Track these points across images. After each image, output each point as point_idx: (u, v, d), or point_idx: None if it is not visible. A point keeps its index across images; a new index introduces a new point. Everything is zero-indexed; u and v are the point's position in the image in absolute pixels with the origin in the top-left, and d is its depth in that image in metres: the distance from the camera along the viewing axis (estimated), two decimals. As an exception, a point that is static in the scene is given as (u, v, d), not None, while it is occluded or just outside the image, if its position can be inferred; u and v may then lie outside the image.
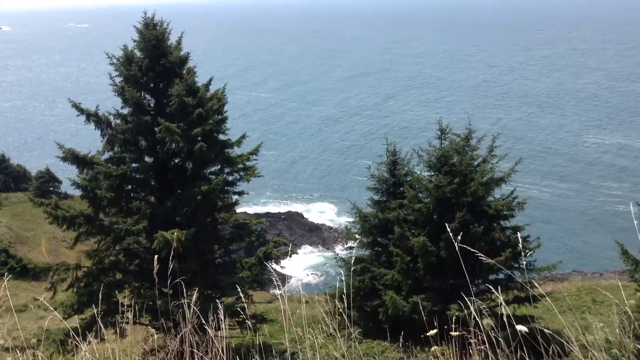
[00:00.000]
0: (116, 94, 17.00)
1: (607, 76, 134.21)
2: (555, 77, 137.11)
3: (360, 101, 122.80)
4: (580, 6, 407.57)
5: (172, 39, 17.56)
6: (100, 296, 6.35)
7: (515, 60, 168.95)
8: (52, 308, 5.27)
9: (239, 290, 4.95)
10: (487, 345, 3.23)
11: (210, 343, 3.82)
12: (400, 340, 5.49)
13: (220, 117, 17.21)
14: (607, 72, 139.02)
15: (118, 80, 17.05)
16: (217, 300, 4.39)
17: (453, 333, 3.49)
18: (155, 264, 3.95)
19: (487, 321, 3.14)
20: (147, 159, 17.34)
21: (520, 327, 2.94)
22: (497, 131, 20.89)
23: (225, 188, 17.68)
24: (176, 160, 17.66)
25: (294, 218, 61.01)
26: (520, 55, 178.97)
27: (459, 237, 3.35)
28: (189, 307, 3.95)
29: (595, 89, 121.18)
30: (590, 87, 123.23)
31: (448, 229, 3.81)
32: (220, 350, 3.75)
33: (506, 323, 3.40)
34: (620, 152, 79.23)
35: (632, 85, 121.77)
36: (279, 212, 62.82)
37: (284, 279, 48.44)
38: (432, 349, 3.37)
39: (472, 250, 3.30)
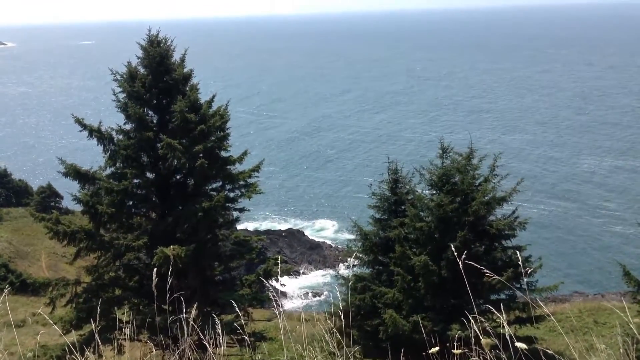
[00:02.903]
0: (119, 109, 17.09)
1: (596, 94, 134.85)
2: (546, 97, 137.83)
3: (357, 117, 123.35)
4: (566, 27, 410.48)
5: (176, 56, 17.69)
6: (99, 312, 6.31)
7: (509, 79, 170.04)
8: (52, 322, 5.24)
9: (238, 307, 4.93)
10: (489, 365, 3.20)
11: (210, 359, 3.79)
12: (402, 358, 5.42)
13: (222, 133, 17.26)
14: (606, 93, 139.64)
15: (121, 96, 17.14)
16: (216, 317, 4.36)
17: (455, 351, 3.46)
18: (154, 277, 3.93)
19: (487, 341, 3.11)
20: (148, 174, 17.37)
21: (520, 345, 2.92)
22: (495, 150, 20.91)
23: (226, 205, 17.67)
24: (178, 177, 17.68)
25: (295, 235, 60.82)
26: (514, 74, 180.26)
27: (463, 256, 3.34)
28: (188, 322, 3.92)
29: (587, 108, 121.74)
30: (588, 107, 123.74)
31: (453, 248, 3.79)
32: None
33: (509, 342, 3.36)
34: (616, 173, 79.35)
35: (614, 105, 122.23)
36: (280, 230, 62.67)
37: (284, 297, 48.17)
38: (434, 367, 3.34)
39: (477, 266, 3.28)
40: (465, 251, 3.85)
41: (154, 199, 17.68)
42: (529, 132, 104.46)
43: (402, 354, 5.46)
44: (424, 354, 4.40)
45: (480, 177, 18.30)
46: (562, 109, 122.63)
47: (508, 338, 3.28)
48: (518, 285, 17.27)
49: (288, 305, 47.88)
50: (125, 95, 17.11)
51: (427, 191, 19.24)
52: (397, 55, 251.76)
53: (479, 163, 18.40)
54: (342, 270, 48.65)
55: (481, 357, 3.35)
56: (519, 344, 2.91)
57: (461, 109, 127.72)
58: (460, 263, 3.20)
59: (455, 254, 3.51)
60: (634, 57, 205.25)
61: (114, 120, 17.78)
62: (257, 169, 17.98)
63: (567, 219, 64.92)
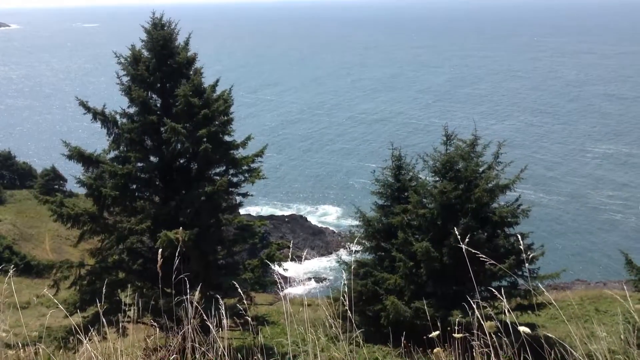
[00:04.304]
0: (123, 93, 17.06)
1: (603, 85, 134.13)
2: (549, 85, 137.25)
3: (363, 104, 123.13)
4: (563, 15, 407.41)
5: (180, 40, 17.62)
6: (103, 294, 6.35)
7: (506, 67, 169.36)
8: (56, 304, 5.28)
9: (241, 291, 4.96)
10: (490, 349, 3.22)
11: (212, 341, 3.82)
12: (403, 341, 5.46)
13: (225, 118, 17.22)
14: (603, 81, 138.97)
15: (125, 79, 17.11)
16: (219, 297, 4.39)
17: (456, 335, 3.47)
18: (159, 258, 3.95)
19: (491, 323, 3.12)
20: (152, 158, 17.38)
21: (523, 329, 2.93)
22: (492, 137, 20.85)
23: (230, 189, 17.68)
24: (181, 161, 17.68)
25: (298, 221, 60.93)
26: (512, 61, 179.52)
27: (467, 239, 3.34)
28: (192, 304, 3.95)
29: (591, 97, 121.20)
30: (584, 95, 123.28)
31: (456, 231, 3.80)
32: (222, 348, 3.75)
33: (510, 328, 3.38)
34: (617, 160, 79.19)
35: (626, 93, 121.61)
36: (283, 215, 62.78)
37: (286, 281, 48.34)
38: (435, 350, 3.36)
39: (477, 253, 3.29)
40: (468, 236, 3.85)
41: (157, 182, 17.71)
42: (527, 119, 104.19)
43: (403, 339, 5.50)
44: (424, 337, 4.42)
45: (483, 164, 18.28)
46: (561, 97, 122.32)
47: (510, 324, 3.29)
48: (520, 273, 17.31)
49: (290, 290, 48.11)
50: (129, 78, 17.07)
51: (430, 178, 19.25)
52: (395, 42, 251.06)
53: (482, 150, 18.38)
54: (345, 256, 48.82)
55: (482, 342, 3.36)
56: (521, 328, 2.92)
57: (458, 96, 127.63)
58: (463, 247, 3.20)
59: (459, 237, 3.51)
60: (633, 45, 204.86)
61: (117, 103, 17.74)
62: (260, 154, 17.97)
63: (569, 206, 64.85)
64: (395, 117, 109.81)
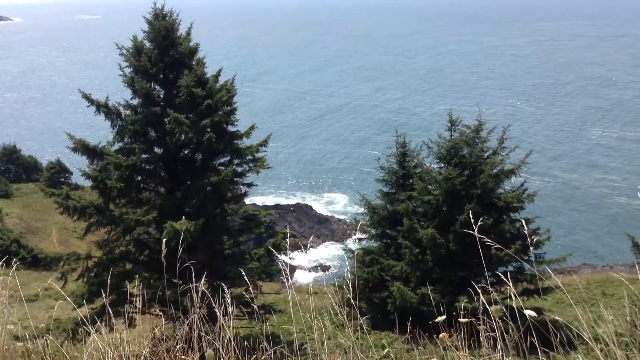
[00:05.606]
0: (126, 84, 17.03)
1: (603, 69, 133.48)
2: (546, 68, 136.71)
3: (363, 92, 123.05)
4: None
5: (182, 30, 17.56)
6: (109, 286, 6.38)
7: (499, 52, 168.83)
8: (64, 294, 5.31)
9: (247, 280, 4.96)
10: (496, 333, 3.21)
11: (219, 330, 3.83)
12: (409, 327, 5.47)
13: (229, 108, 17.20)
14: (605, 65, 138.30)
15: (128, 71, 17.08)
16: (225, 286, 4.40)
17: (462, 320, 3.47)
18: (163, 247, 3.96)
19: (496, 307, 3.12)
20: (156, 149, 17.39)
21: (530, 312, 2.93)
22: (503, 123, 20.74)
23: (235, 179, 17.71)
24: (185, 151, 17.69)
25: (303, 210, 60.96)
26: (504, 46, 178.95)
27: (478, 223, 3.33)
28: (198, 292, 3.96)
29: (593, 81, 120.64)
30: (587, 79, 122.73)
31: (470, 215, 3.78)
32: (229, 336, 3.76)
33: (516, 312, 3.38)
34: (620, 143, 78.90)
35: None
36: (288, 204, 62.83)
37: (292, 270, 48.55)
38: (441, 335, 3.36)
39: (483, 238, 3.28)
40: (478, 221, 3.83)
41: (162, 174, 17.73)
42: (524, 102, 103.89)
43: (409, 325, 5.51)
44: (430, 322, 4.43)
45: (488, 149, 18.22)
46: (559, 80, 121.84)
47: (516, 308, 3.29)
48: (526, 258, 17.29)
49: (297, 278, 48.25)
50: (131, 70, 17.04)
51: (435, 164, 19.21)
52: (394, 30, 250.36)
53: (487, 136, 18.31)
54: (350, 244, 48.90)
55: (488, 327, 3.36)
56: (528, 311, 2.92)
57: (456, 81, 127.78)
58: (475, 231, 3.19)
59: (472, 220, 3.50)
60: (630, 28, 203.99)
61: (120, 94, 17.72)
62: (264, 143, 17.95)
63: (574, 190, 64.67)
64: (393, 102, 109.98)
